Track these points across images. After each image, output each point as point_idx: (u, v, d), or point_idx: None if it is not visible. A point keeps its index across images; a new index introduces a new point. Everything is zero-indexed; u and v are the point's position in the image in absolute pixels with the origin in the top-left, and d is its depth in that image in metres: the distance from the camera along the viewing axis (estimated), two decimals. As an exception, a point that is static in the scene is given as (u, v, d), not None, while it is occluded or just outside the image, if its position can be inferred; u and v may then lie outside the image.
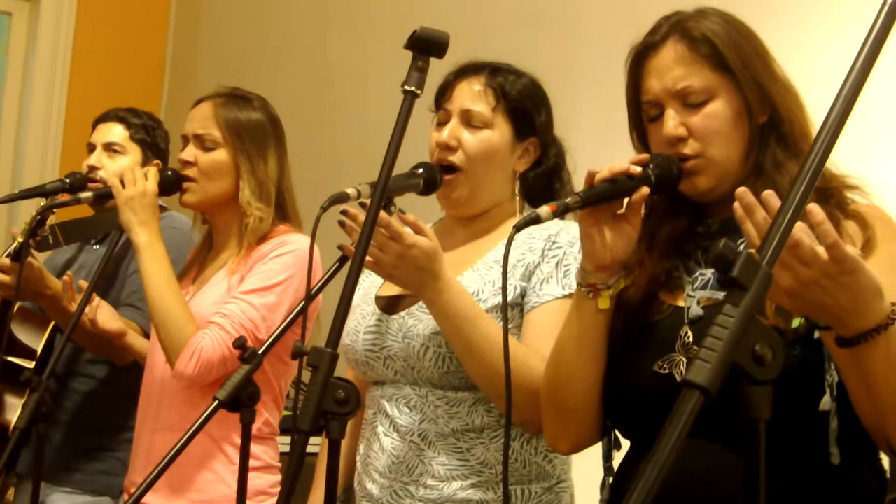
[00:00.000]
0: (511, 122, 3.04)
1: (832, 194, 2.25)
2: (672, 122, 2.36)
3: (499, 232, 3.02)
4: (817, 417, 2.12)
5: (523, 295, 2.90)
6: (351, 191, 2.72)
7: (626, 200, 2.37)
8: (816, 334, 2.07)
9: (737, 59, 2.35)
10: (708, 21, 2.39)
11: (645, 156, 2.37)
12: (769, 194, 1.90)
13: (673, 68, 2.37)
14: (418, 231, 2.75)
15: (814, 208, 1.78)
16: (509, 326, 2.86)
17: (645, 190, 2.33)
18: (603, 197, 2.34)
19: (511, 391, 2.37)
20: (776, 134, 2.33)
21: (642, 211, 2.38)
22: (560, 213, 2.35)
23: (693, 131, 2.35)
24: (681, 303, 2.36)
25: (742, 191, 1.94)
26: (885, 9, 1.54)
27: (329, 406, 2.16)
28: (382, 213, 2.69)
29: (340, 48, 5.95)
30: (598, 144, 3.75)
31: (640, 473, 1.26)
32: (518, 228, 2.34)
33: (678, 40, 2.38)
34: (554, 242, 2.93)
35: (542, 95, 3.12)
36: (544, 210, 2.34)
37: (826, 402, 2.10)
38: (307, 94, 6.04)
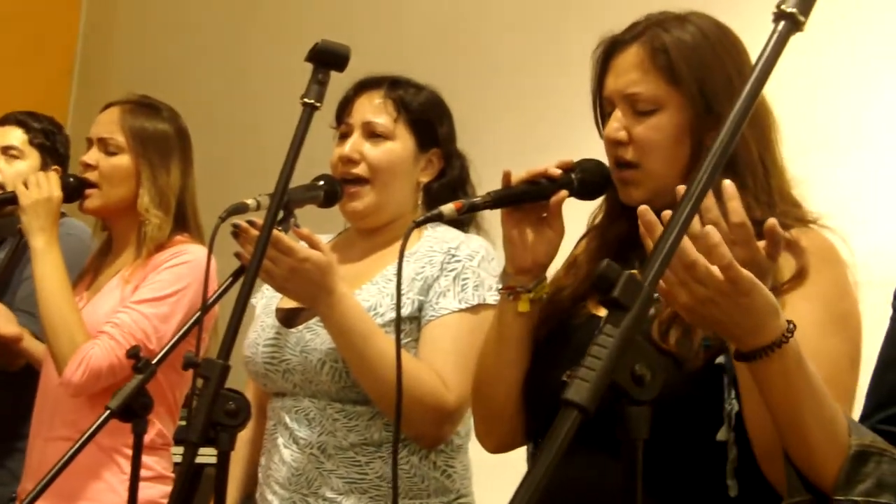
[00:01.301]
0: (413, 133, 3.05)
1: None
2: (616, 123, 2.32)
3: (399, 244, 3.00)
4: (717, 448, 2.12)
5: (421, 308, 2.90)
6: (250, 202, 2.71)
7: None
8: (719, 359, 2.08)
9: (690, 76, 2.29)
10: (681, 30, 2.33)
11: (569, 160, 2.35)
12: (669, 214, 1.90)
13: (629, 71, 2.32)
14: (312, 245, 2.74)
15: (710, 230, 1.79)
16: (407, 340, 2.88)
17: (563, 193, 2.31)
18: (516, 198, 2.32)
19: (401, 402, 2.36)
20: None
21: (562, 214, 2.35)
22: (465, 212, 2.33)
23: (634, 139, 2.31)
24: (602, 312, 2.34)
25: (643, 209, 1.92)
26: (774, 37, 1.56)
27: (219, 418, 2.15)
28: (273, 232, 2.67)
29: (253, 58, 5.93)
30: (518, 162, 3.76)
31: (514, 493, 1.27)
32: (417, 224, 2.35)
33: (642, 45, 2.32)
34: (453, 256, 2.93)
35: (443, 107, 3.13)
36: (448, 207, 2.32)
37: (724, 433, 2.09)
38: (218, 103, 6.02)
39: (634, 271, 1.39)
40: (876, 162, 3.81)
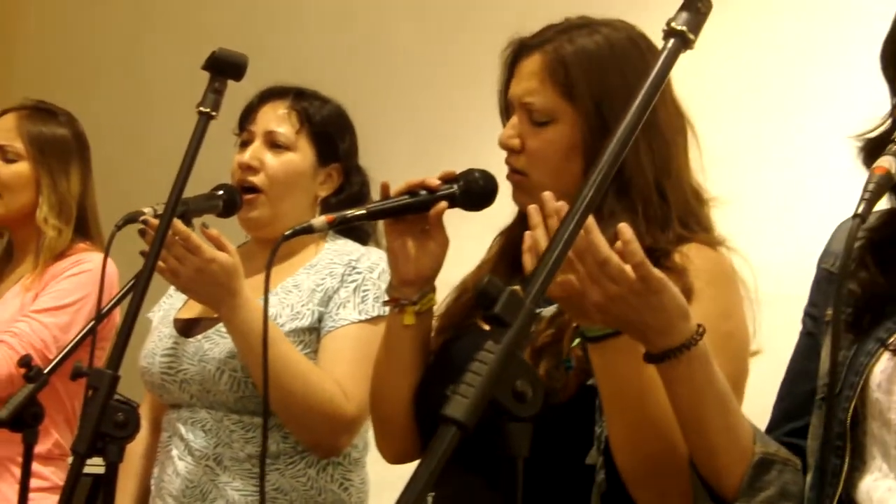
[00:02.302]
0: (314, 146, 3.03)
1: (665, 253, 2.19)
2: (511, 130, 2.29)
3: (299, 257, 3.00)
4: (587, 471, 2.10)
5: (321, 319, 2.89)
6: (147, 210, 2.70)
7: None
8: (591, 381, 2.08)
9: (587, 93, 2.24)
10: (588, 39, 2.28)
11: (452, 171, 2.32)
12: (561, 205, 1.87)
13: (529, 79, 2.29)
14: (220, 247, 2.74)
15: (623, 228, 1.79)
16: (307, 351, 2.87)
17: (443, 205, 2.27)
18: (393, 210, 2.29)
19: (267, 386, 2.33)
20: (618, 179, 2.13)
21: (444, 225, 2.31)
22: (337, 224, 2.32)
23: (526, 148, 2.28)
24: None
25: (532, 209, 1.90)
26: (664, 54, 1.56)
27: (107, 429, 2.13)
28: (183, 226, 2.69)
29: (158, 66, 5.88)
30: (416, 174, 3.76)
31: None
32: (286, 237, 2.31)
33: (545, 53, 2.28)
34: (354, 268, 2.93)
35: (346, 122, 3.12)
36: (319, 220, 2.31)
37: (593, 456, 2.08)
38: (118, 111, 5.95)
39: (517, 287, 1.37)
40: (803, 174, 3.80)
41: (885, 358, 1.84)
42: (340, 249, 3.00)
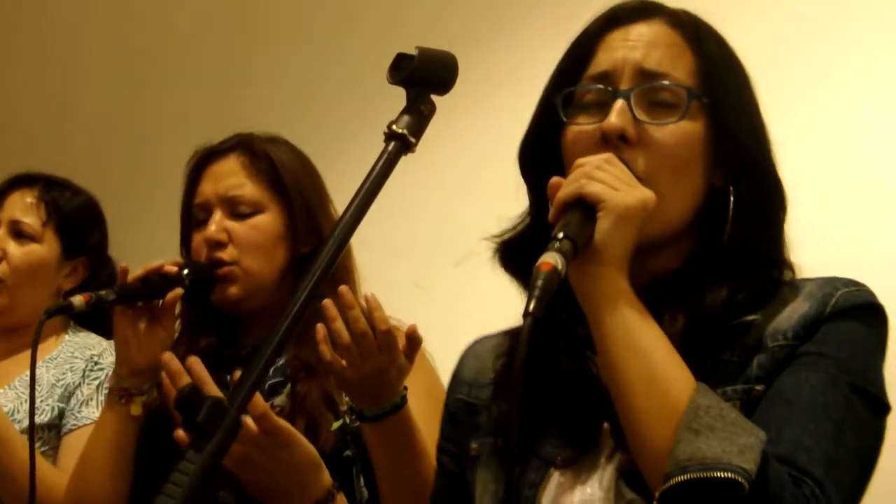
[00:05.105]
0: (61, 238, 2.99)
1: None
2: (215, 226, 2.39)
3: (39, 349, 2.91)
4: None
5: (62, 416, 2.82)
6: None
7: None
8: (347, 452, 2.11)
9: (294, 184, 2.42)
10: (275, 146, 2.47)
11: (180, 259, 2.41)
12: (193, 360, 1.93)
13: (229, 176, 2.42)
14: None
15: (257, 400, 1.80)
16: (45, 448, 2.79)
17: (178, 291, 2.34)
18: (139, 293, 2.34)
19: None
20: None
21: (175, 314, 2.40)
22: (93, 304, 2.34)
23: (234, 239, 2.39)
24: None
25: (167, 357, 1.96)
26: (384, 157, 1.54)
27: None
28: None
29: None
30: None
31: None
32: (49, 314, 2.36)
33: (242, 153, 2.44)
34: (96, 363, 2.88)
35: (97, 215, 3.08)
36: (77, 299, 2.34)
37: None
38: None
39: (221, 396, 1.34)
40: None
41: (554, 480, 1.65)
42: (82, 342, 2.94)
